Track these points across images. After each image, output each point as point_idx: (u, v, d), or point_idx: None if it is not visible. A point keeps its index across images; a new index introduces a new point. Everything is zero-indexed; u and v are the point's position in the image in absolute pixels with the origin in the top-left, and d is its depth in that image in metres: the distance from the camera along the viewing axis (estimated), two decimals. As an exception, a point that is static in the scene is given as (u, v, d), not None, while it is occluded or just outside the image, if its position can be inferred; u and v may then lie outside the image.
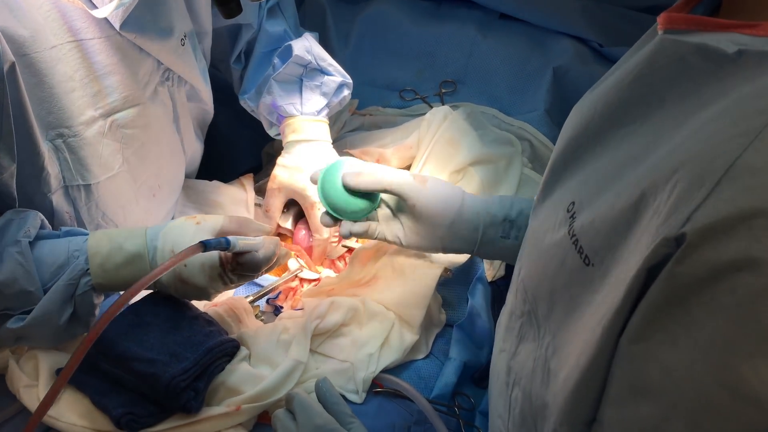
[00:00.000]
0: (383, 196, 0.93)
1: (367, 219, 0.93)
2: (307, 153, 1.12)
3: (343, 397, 0.87)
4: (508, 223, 0.90)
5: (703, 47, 0.50)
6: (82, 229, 0.88)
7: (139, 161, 0.97)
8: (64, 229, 0.86)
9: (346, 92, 1.17)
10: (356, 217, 0.91)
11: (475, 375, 1.00)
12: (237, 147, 1.41)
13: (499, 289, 1.10)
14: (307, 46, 1.15)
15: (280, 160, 1.12)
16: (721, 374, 0.44)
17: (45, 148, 0.83)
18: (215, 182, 1.18)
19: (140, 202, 1.00)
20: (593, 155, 0.61)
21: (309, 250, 1.10)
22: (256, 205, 1.15)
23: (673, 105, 0.53)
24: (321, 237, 1.09)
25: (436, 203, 0.89)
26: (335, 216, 0.91)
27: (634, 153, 0.54)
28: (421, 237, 0.92)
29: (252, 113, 1.22)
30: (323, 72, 1.16)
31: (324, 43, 1.42)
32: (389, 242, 0.94)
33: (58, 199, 0.88)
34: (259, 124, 1.24)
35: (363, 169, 0.90)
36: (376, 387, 0.92)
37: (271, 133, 1.21)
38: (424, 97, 1.32)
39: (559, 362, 0.59)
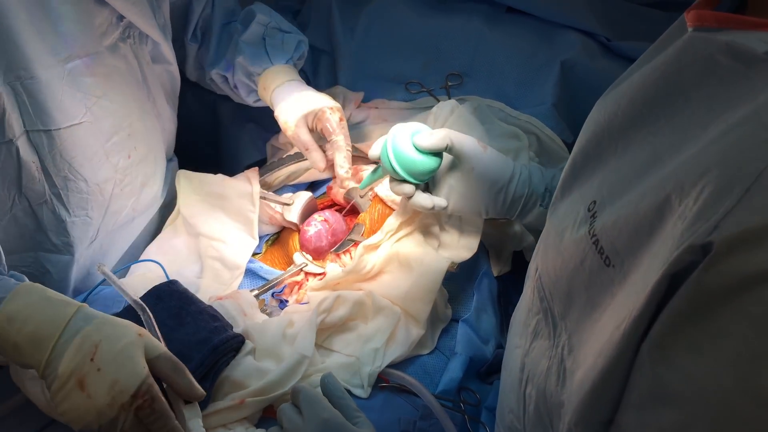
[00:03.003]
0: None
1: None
2: (296, 87, 1.17)
3: (349, 391, 0.87)
4: (549, 193, 0.94)
5: (733, 46, 0.49)
6: (23, 276, 0.82)
7: (104, 114, 0.99)
8: (11, 273, 0.82)
9: (304, 48, 1.25)
10: (426, 178, 0.97)
11: (481, 370, 1.00)
12: (241, 141, 1.41)
13: (504, 285, 1.10)
14: (265, 9, 1.23)
15: (278, 112, 1.17)
16: (746, 384, 0.43)
17: (3, 90, 0.86)
18: (220, 175, 1.18)
19: (111, 159, 1.03)
20: (615, 153, 0.60)
21: (315, 252, 1.10)
22: (261, 198, 1.15)
23: (699, 105, 0.52)
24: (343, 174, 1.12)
25: (491, 170, 0.94)
26: (407, 180, 0.96)
27: (659, 153, 0.53)
28: (468, 200, 0.96)
29: (222, 85, 1.26)
30: (281, 32, 1.23)
31: (330, 34, 1.43)
32: (435, 208, 0.97)
33: (23, 147, 0.91)
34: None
35: (432, 132, 0.94)
36: (382, 382, 0.92)
37: (250, 100, 1.25)
38: (430, 90, 1.31)
39: (575, 362, 0.59)
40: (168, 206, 1.21)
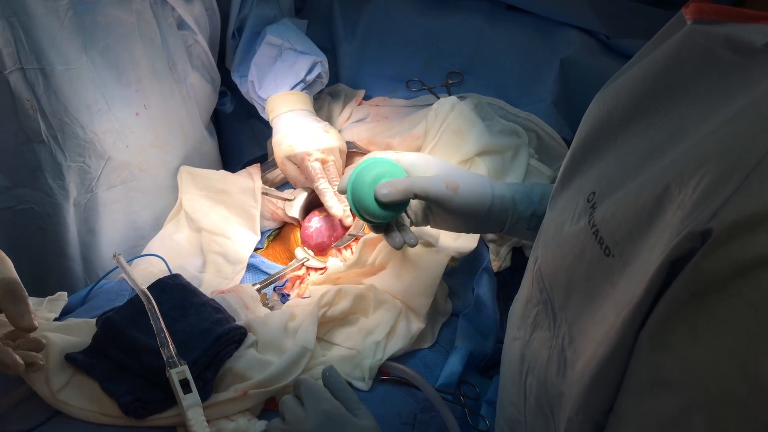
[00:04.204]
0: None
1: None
2: (289, 121, 1.17)
3: (350, 384, 0.88)
4: (536, 218, 0.90)
5: (732, 38, 0.50)
6: None
7: (106, 64, 1.01)
8: None
9: (320, 69, 1.24)
10: (392, 220, 0.91)
11: (481, 364, 1.00)
12: (243, 137, 1.42)
13: (504, 280, 1.10)
14: (281, 30, 1.22)
15: (272, 139, 1.18)
16: (744, 369, 0.43)
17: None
18: (222, 171, 1.19)
19: (114, 111, 1.05)
20: (615, 145, 0.61)
21: (316, 248, 1.10)
22: (263, 194, 1.16)
23: (699, 96, 0.52)
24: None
25: (467, 208, 0.89)
26: (370, 221, 0.91)
27: (658, 144, 0.54)
28: (448, 225, 0.94)
29: (245, 96, 1.27)
30: (296, 52, 1.22)
31: (331, 33, 1.43)
32: (406, 245, 0.93)
33: (15, 82, 0.93)
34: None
35: (393, 182, 0.87)
36: (383, 375, 0.92)
37: (264, 116, 1.25)
38: (430, 87, 1.31)
39: (576, 352, 0.59)
40: None
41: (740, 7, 0.53)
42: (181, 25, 1.12)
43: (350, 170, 0.91)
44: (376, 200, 0.87)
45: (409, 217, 0.94)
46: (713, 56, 0.51)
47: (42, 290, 1.18)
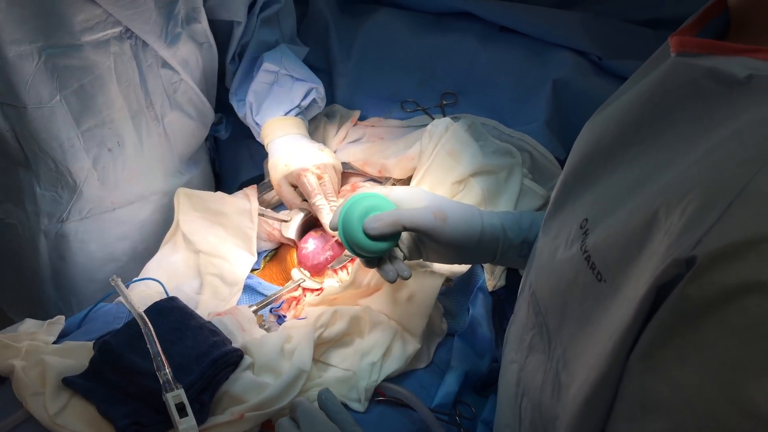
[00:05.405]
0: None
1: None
2: (284, 145, 1.19)
3: (346, 405, 0.88)
4: (527, 245, 0.90)
5: (715, 71, 0.51)
6: None
7: (80, 104, 1.04)
8: None
9: (315, 95, 1.26)
10: (384, 254, 0.91)
11: (477, 384, 1.01)
12: (239, 157, 1.43)
13: (499, 299, 1.11)
14: (277, 57, 1.24)
15: (268, 164, 1.20)
16: (730, 393, 0.44)
17: None
18: (219, 193, 1.19)
19: (87, 148, 1.08)
20: (605, 173, 0.62)
21: (313, 269, 1.11)
22: (259, 215, 1.16)
23: (684, 126, 0.54)
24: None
25: (456, 239, 0.88)
26: (362, 255, 0.90)
27: (646, 172, 0.55)
28: (440, 257, 0.94)
29: (242, 120, 1.29)
30: (293, 79, 1.24)
31: (326, 54, 1.45)
32: (399, 278, 0.92)
33: None
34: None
35: (381, 216, 0.87)
36: (379, 396, 0.92)
37: (260, 140, 1.27)
38: (425, 108, 1.33)
39: (570, 376, 0.60)
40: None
41: (723, 40, 0.55)
42: (165, 63, 1.13)
43: (340, 207, 0.91)
44: (366, 234, 0.87)
45: (402, 251, 0.94)
46: (697, 86, 0.53)
47: (17, 298, 1.29)
